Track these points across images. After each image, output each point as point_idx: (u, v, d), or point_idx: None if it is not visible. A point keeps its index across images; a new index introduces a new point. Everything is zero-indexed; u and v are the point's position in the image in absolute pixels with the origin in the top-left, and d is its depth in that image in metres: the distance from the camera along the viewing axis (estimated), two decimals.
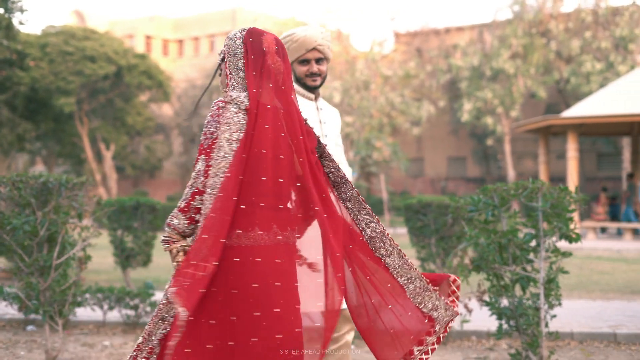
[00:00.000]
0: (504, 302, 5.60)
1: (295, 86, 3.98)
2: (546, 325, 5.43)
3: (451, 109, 35.58)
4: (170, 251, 2.91)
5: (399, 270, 3.22)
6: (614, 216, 22.29)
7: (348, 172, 4.09)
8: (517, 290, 5.71)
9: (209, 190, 2.85)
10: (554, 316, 5.49)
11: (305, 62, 3.95)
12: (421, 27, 40.48)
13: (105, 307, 7.50)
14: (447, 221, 9.97)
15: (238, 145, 2.89)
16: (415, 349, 3.23)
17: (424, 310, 3.24)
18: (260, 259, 2.87)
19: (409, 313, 3.22)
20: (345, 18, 55.93)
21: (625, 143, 30.32)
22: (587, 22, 31.33)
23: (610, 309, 8.47)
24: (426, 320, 3.24)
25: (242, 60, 3.07)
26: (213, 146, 2.90)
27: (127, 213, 9.88)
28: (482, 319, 7.05)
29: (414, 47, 40.02)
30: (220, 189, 2.83)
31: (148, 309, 7.36)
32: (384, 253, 3.20)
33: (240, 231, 2.87)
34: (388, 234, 3.22)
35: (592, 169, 38.88)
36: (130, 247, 10.31)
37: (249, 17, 53.32)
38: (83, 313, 7.83)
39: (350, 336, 3.98)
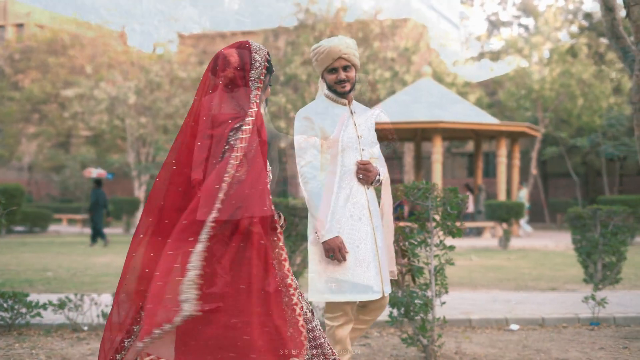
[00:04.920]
0: (397, 292, 6.16)
1: (329, 93, 4.30)
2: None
3: None
4: None
5: None
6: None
7: (384, 170, 4.45)
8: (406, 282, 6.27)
9: None
10: (444, 303, 6.16)
11: (333, 70, 4.27)
12: (203, 30, 40.71)
13: None
14: (293, 220, 10.48)
15: None
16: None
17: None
18: None
19: None
20: (128, 18, 54.90)
21: (407, 148, 32.37)
22: (374, 33, 33.10)
23: (450, 298, 9.30)
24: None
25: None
26: None
27: None
28: None
29: (200, 50, 40.27)
30: None
31: (23, 310, 7.18)
32: None
33: None
34: None
35: None
36: None
37: (21, 10, 51.03)
38: None
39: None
